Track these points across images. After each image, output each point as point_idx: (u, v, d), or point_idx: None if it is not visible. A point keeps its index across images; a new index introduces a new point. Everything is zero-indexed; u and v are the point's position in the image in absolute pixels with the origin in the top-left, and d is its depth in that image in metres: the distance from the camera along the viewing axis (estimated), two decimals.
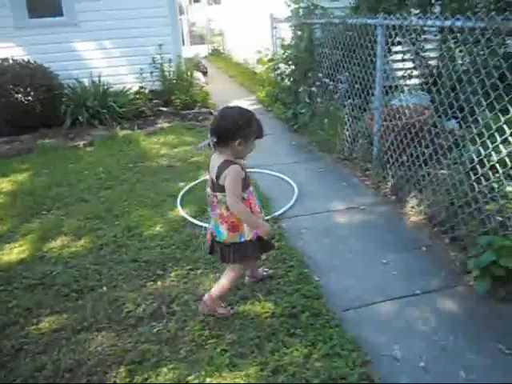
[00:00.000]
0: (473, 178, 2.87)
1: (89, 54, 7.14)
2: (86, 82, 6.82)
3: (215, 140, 2.27)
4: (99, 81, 6.81)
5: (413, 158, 3.55)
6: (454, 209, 3.07)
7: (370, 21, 3.85)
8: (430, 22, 3.09)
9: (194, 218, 3.65)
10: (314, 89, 5.25)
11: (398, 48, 5.14)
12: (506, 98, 2.59)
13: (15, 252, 3.32)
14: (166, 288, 2.81)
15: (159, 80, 7.30)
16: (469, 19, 2.72)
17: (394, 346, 2.27)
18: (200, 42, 18.16)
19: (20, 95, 6.07)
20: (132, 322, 2.53)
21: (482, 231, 2.80)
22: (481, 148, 2.81)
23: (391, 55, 4.63)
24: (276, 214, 3.64)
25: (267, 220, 3.49)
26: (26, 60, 6.45)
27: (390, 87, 4.21)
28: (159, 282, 2.88)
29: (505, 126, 2.65)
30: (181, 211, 3.80)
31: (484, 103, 2.79)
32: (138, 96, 7.13)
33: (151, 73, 7.23)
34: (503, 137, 2.64)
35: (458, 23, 2.81)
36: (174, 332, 2.43)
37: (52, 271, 3.03)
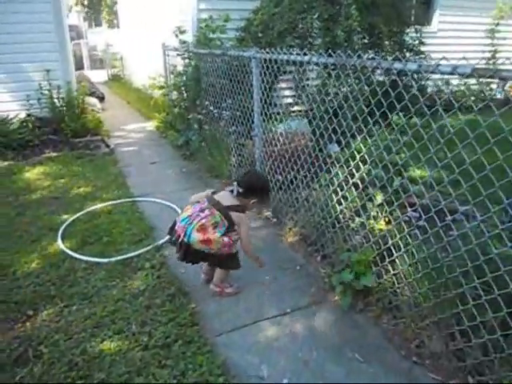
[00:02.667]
0: (335, 199, 3.11)
1: None
2: None
3: (240, 190, 2.77)
4: None
5: (288, 182, 3.76)
6: (322, 228, 3.29)
7: (244, 53, 4.05)
8: (292, 57, 3.33)
9: (75, 251, 3.54)
10: (201, 116, 5.36)
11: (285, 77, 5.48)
12: (371, 122, 2.79)
13: None
14: (35, 329, 2.67)
15: (47, 107, 6.98)
16: (321, 56, 2.98)
17: (262, 366, 2.37)
18: (101, 67, 17.72)
19: None
20: None
21: (346, 248, 3.04)
22: (339, 170, 3.07)
23: (277, 84, 4.89)
24: (160, 242, 3.64)
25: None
26: None
27: (277, 114, 4.42)
28: (28, 324, 2.73)
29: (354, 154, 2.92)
30: (61, 245, 3.66)
31: (354, 127, 2.91)
32: (24, 124, 6.76)
33: (39, 100, 6.89)
34: (354, 161, 2.91)
35: (314, 59, 3.07)
36: (39, 377, 2.31)
37: None
